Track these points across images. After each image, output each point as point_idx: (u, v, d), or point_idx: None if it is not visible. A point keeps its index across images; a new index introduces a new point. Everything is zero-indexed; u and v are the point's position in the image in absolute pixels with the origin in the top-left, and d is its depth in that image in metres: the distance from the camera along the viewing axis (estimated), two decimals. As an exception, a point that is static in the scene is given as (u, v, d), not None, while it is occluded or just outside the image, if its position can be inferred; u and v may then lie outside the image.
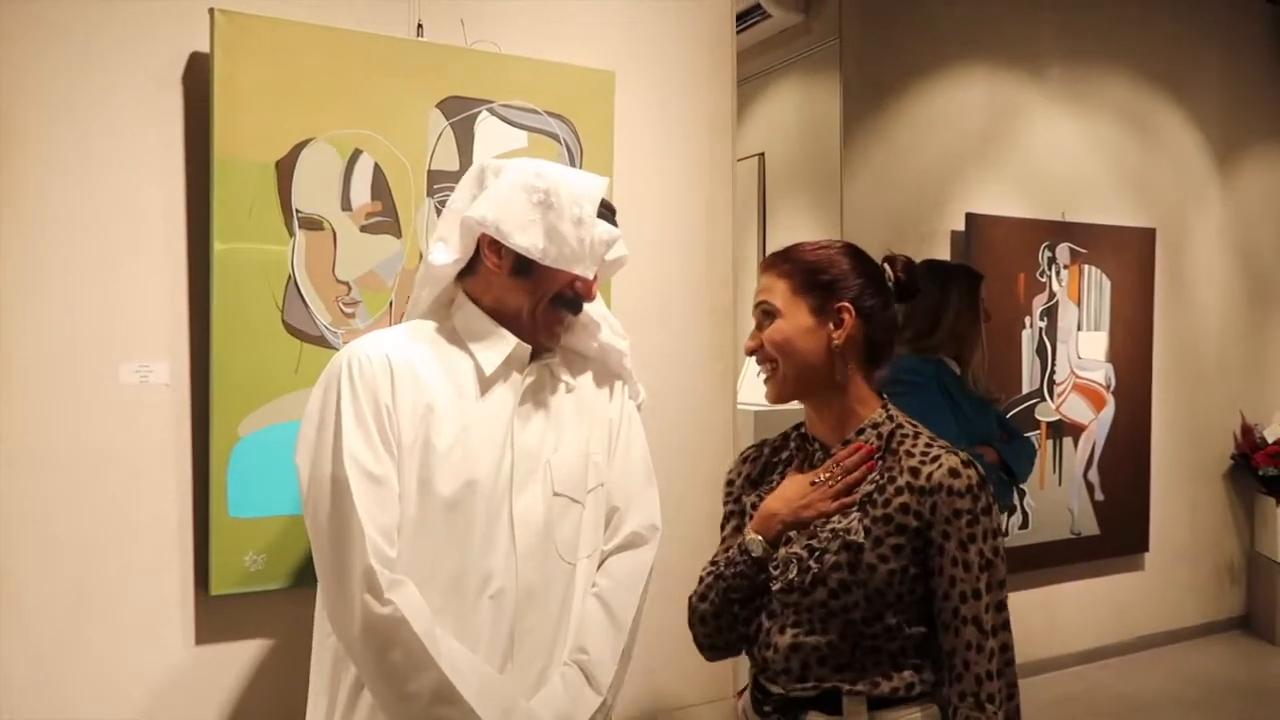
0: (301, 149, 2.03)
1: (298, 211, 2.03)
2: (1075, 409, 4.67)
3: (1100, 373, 4.76)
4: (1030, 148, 4.65)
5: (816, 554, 1.51)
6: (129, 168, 1.97)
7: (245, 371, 1.99)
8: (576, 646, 1.69)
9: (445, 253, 1.69)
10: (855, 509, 1.52)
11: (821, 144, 4.40)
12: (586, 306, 1.76)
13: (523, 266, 1.66)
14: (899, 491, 1.50)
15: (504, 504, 1.64)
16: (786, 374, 1.57)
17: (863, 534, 1.49)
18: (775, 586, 1.54)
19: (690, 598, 1.66)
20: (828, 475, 1.56)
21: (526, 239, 1.62)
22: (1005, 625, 1.49)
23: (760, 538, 1.57)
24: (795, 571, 1.52)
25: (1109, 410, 4.79)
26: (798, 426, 1.70)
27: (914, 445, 1.54)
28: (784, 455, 1.69)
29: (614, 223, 1.73)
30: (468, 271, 1.71)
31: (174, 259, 2.00)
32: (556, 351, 1.77)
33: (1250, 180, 5.39)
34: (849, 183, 4.23)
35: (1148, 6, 4.98)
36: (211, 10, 1.93)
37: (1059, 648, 4.58)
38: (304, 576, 2.04)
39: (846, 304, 1.56)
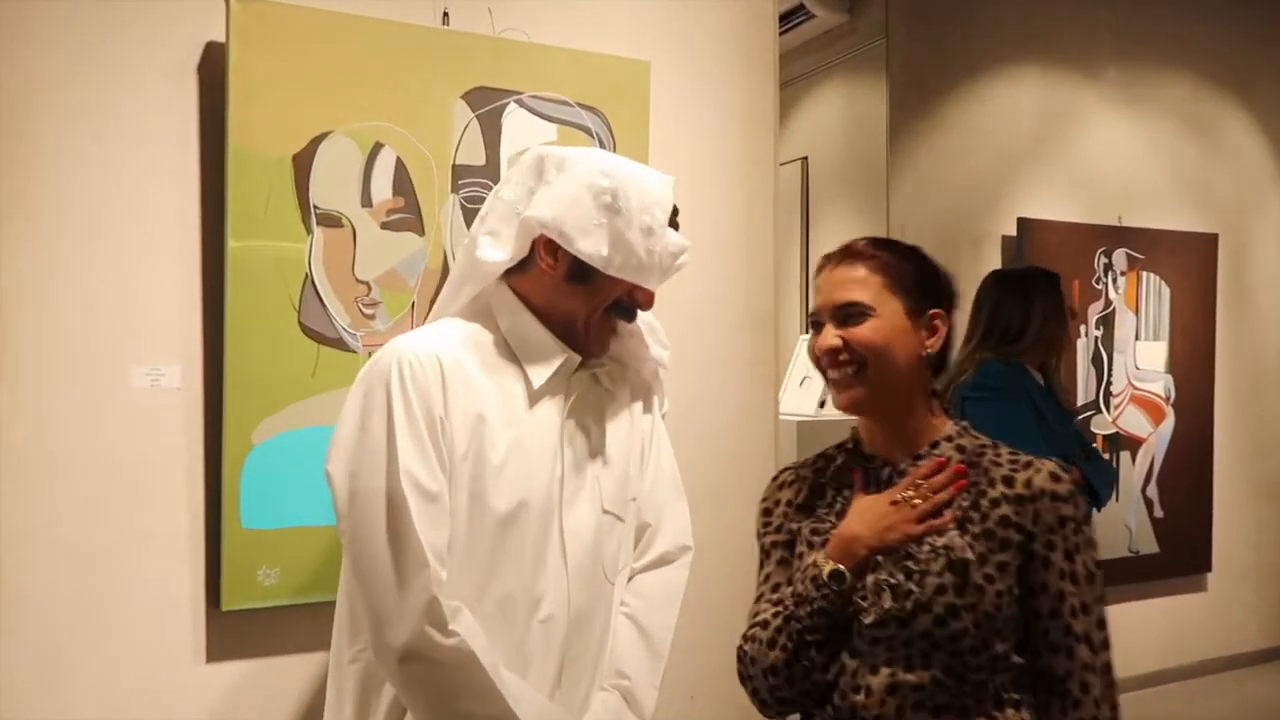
0: (320, 142, 1.96)
1: (315, 208, 1.96)
2: (1133, 421, 4.54)
3: (1159, 384, 4.64)
4: (1085, 150, 4.56)
5: (916, 576, 1.34)
6: (141, 162, 1.90)
7: (260, 375, 1.91)
8: (614, 670, 1.60)
9: (496, 250, 1.56)
10: (952, 528, 1.36)
11: (867, 148, 4.34)
12: (651, 322, 1.68)
13: (581, 272, 1.53)
14: (995, 504, 1.36)
15: (553, 521, 1.55)
16: (875, 380, 1.41)
17: (969, 551, 1.34)
18: (868, 619, 1.35)
19: (744, 646, 1.46)
20: (912, 493, 1.40)
21: (590, 245, 1.49)
22: (1107, 644, 1.38)
23: (842, 566, 1.39)
24: (891, 599, 1.34)
25: (1168, 423, 4.67)
26: (840, 446, 1.54)
27: (998, 456, 1.42)
28: (835, 476, 1.51)
29: (677, 225, 1.60)
30: (517, 268, 1.58)
31: (186, 257, 1.93)
32: (603, 360, 1.67)
33: (1317, 184, 5.24)
34: (895, 187, 4.17)
35: (1211, 7, 4.89)
36: (227, -4, 1.87)
37: (1114, 671, 4.42)
38: (320, 592, 1.95)
39: (941, 311, 1.45)
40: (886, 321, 1.41)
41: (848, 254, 1.46)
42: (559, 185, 1.52)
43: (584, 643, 1.58)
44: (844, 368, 1.41)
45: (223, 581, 1.89)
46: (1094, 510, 2.79)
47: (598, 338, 1.60)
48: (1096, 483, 2.72)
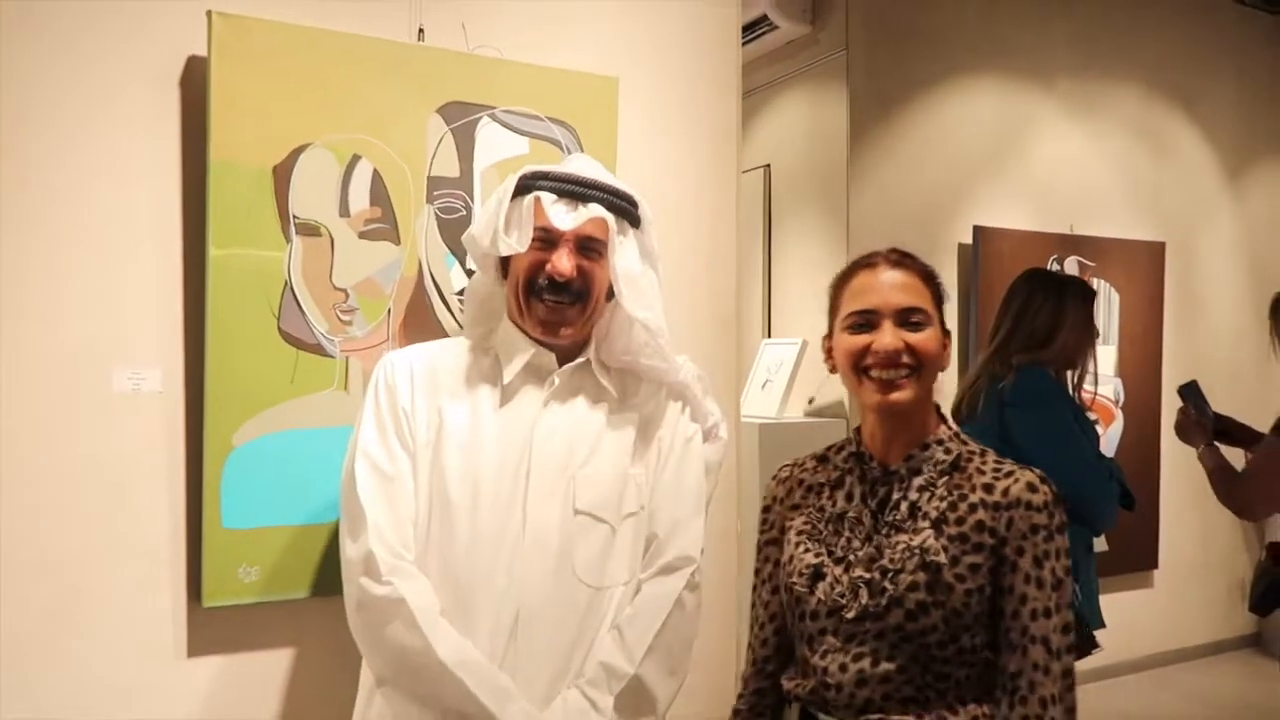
0: (299, 154, 2.00)
1: (295, 217, 2.00)
2: (1083, 424, 4.61)
3: (1109, 387, 4.73)
4: (1039, 160, 4.66)
5: (890, 574, 1.41)
6: (124, 172, 1.94)
7: (240, 379, 1.95)
8: (580, 670, 1.65)
9: (474, 271, 1.82)
10: (929, 528, 1.43)
11: (828, 156, 4.40)
12: (644, 320, 1.74)
13: (504, 266, 1.74)
14: (973, 508, 1.43)
15: (515, 516, 1.63)
16: (922, 384, 1.47)
17: (942, 553, 1.40)
18: (850, 614, 1.43)
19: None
20: None
21: (486, 238, 1.69)
22: (1070, 649, 1.41)
23: None
24: (868, 595, 1.42)
25: (1117, 425, 4.78)
26: (840, 447, 1.61)
27: (984, 463, 1.49)
28: (831, 475, 1.57)
29: (588, 198, 1.69)
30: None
31: (169, 264, 1.98)
32: (588, 357, 1.76)
33: (1261, 194, 5.40)
34: (855, 195, 4.23)
35: (1160, 21, 5.01)
36: (209, 13, 1.91)
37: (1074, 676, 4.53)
38: (299, 589, 2.01)
39: (949, 330, 1.54)
40: (936, 332, 1.48)
41: (898, 260, 1.51)
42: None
43: (546, 642, 1.62)
44: (900, 369, 1.45)
45: (204, 579, 1.94)
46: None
47: (538, 323, 1.69)
48: (1127, 486, 2.73)
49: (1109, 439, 4.70)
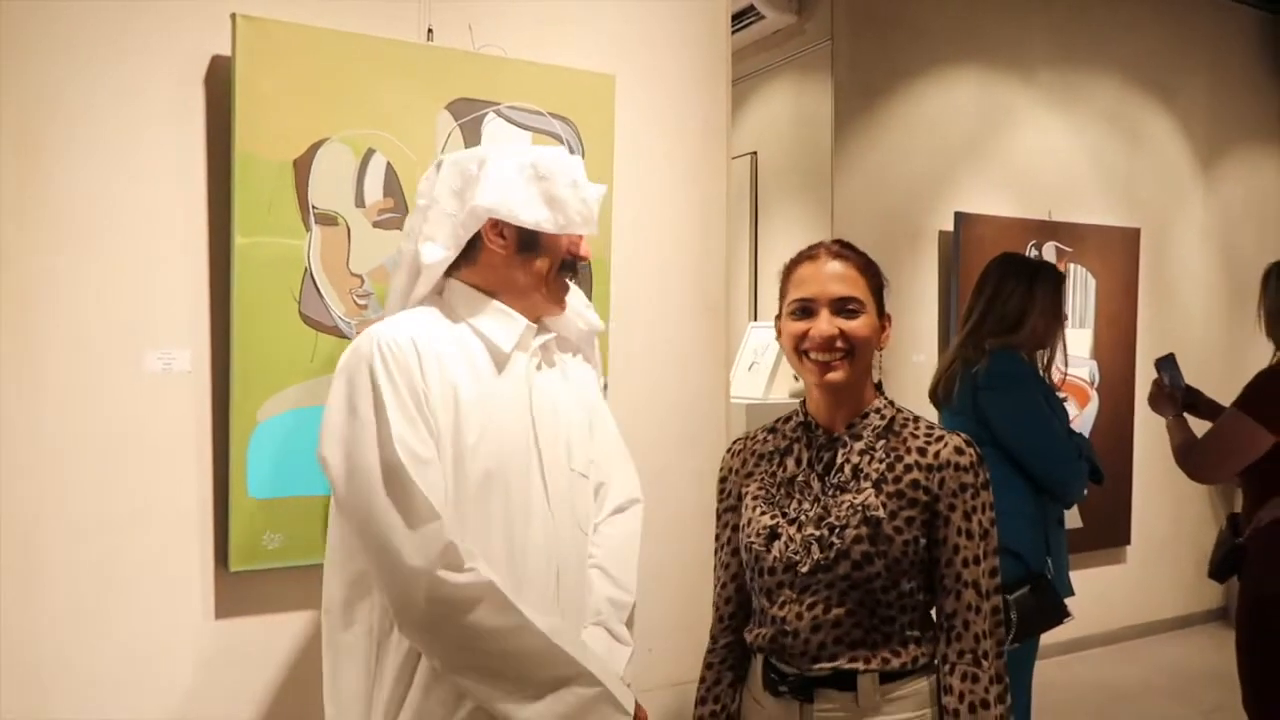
0: (318, 148, 2.10)
1: (314, 207, 2.11)
2: (1060, 404, 4.72)
3: (1085, 369, 4.82)
4: (1019, 149, 4.74)
5: (837, 530, 1.57)
6: (153, 165, 2.05)
7: (264, 359, 2.07)
8: (594, 610, 1.80)
9: (438, 250, 1.76)
10: (870, 487, 1.59)
11: (813, 143, 4.48)
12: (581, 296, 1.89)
13: (528, 241, 1.76)
14: (908, 469, 1.59)
15: (533, 480, 1.73)
16: (855, 365, 1.62)
17: (882, 509, 1.57)
18: (804, 569, 1.58)
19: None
20: None
21: (532, 213, 1.73)
22: (997, 589, 1.59)
23: None
24: (818, 550, 1.58)
25: (1093, 406, 4.87)
26: (788, 418, 1.75)
27: (916, 429, 1.65)
28: (781, 444, 1.72)
29: None
30: (463, 264, 1.78)
31: (196, 252, 2.08)
32: (553, 331, 1.87)
33: (1233, 182, 5.50)
34: (840, 182, 4.31)
35: (1137, 14, 5.08)
36: (233, 15, 2.02)
37: (1041, 637, 4.65)
38: (319, 555, 2.08)
39: (889, 314, 1.69)
40: (870, 318, 1.63)
41: (838, 252, 1.65)
42: (489, 177, 1.73)
43: (571, 590, 1.75)
44: (835, 352, 1.60)
45: (230, 545, 2.06)
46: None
47: (555, 297, 1.82)
48: (1097, 463, 2.82)
49: (1084, 419, 4.79)
